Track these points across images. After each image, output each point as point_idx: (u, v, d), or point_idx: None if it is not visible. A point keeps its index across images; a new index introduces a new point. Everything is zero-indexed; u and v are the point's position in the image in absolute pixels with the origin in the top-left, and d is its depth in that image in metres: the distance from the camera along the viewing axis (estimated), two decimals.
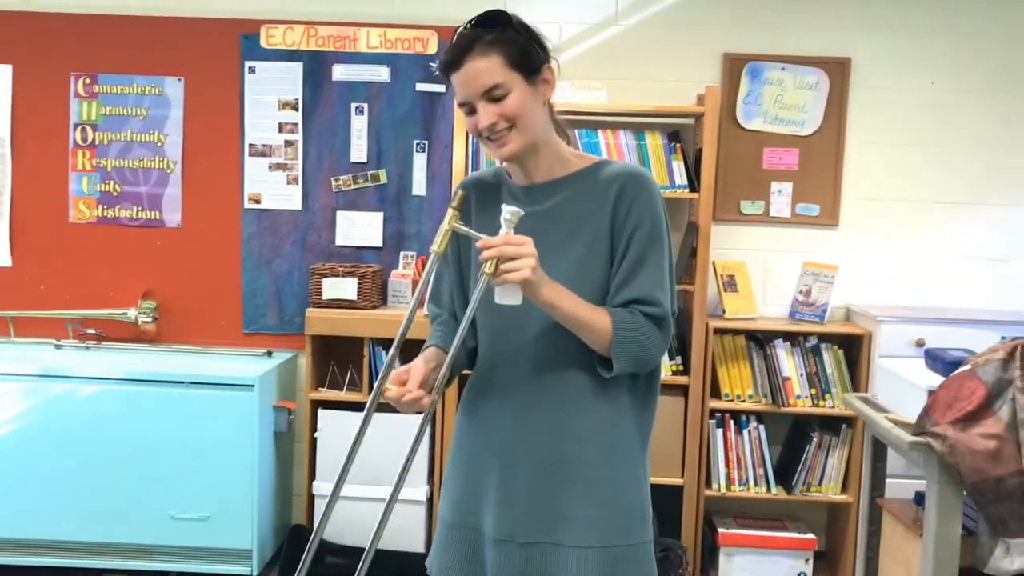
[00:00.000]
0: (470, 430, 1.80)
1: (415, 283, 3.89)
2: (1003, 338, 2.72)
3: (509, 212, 1.61)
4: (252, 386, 3.56)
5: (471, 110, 1.71)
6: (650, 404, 1.81)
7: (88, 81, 3.99)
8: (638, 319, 1.69)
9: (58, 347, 3.95)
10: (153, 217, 4.02)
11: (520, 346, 1.73)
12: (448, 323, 1.89)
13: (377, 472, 3.70)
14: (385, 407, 3.99)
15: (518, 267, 1.58)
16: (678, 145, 3.67)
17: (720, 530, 3.73)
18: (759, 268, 3.91)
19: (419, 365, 1.73)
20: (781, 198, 3.92)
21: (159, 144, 4.00)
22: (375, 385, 1.71)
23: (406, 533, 3.67)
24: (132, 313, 3.95)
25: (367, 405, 1.72)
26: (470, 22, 1.71)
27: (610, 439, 1.74)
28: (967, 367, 2.56)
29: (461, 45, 1.69)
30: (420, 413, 1.69)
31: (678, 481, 3.68)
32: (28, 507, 3.56)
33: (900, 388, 2.91)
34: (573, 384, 1.73)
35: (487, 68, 1.67)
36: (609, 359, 1.70)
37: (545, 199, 1.77)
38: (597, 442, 1.73)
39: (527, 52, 1.71)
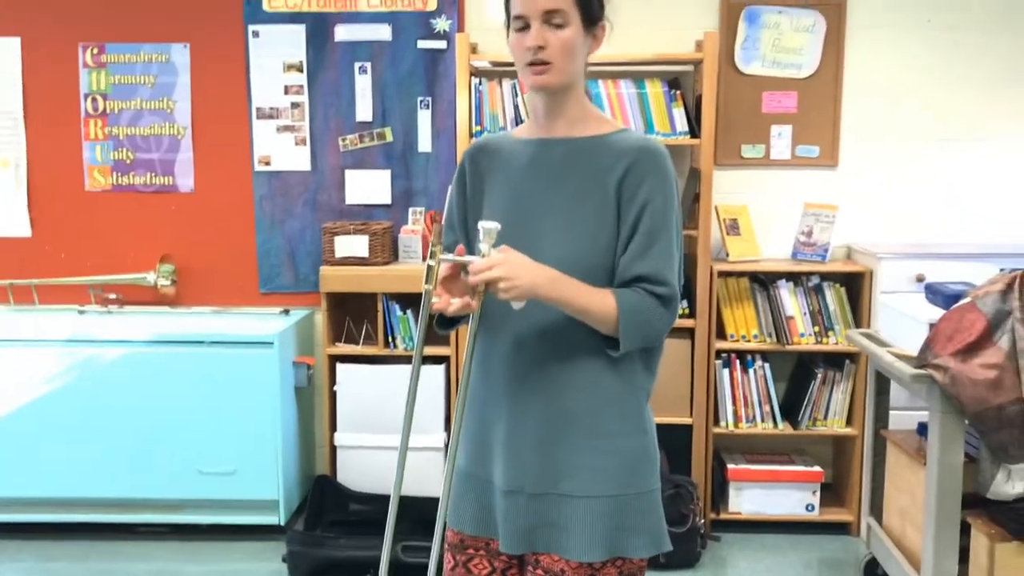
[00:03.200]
0: (480, 381, 1.78)
1: (424, 239, 3.89)
2: (1001, 270, 2.71)
3: (486, 227, 1.60)
4: (271, 343, 3.59)
5: (523, 26, 1.68)
6: (654, 356, 1.79)
7: (96, 51, 3.96)
8: (644, 299, 1.66)
9: (81, 313, 3.98)
10: (167, 183, 4.02)
11: (522, 314, 1.70)
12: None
13: (398, 422, 3.73)
14: (402, 359, 4.00)
15: (505, 288, 1.58)
16: (678, 92, 3.64)
17: (729, 466, 3.76)
18: (761, 211, 3.89)
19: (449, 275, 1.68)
20: (781, 141, 3.89)
21: (168, 111, 3.98)
22: (420, 327, 1.68)
23: (424, 479, 3.71)
24: (151, 277, 3.96)
25: (416, 351, 1.69)
26: None
27: (614, 390, 1.72)
28: (967, 300, 2.56)
29: None
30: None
31: (687, 420, 3.70)
32: (62, 466, 3.61)
33: (902, 323, 2.91)
34: (578, 339, 1.70)
35: None
36: (614, 338, 1.67)
37: (559, 155, 1.73)
38: (601, 394, 1.71)
39: (593, 1, 1.70)
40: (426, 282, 1.61)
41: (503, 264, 1.58)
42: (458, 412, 1.72)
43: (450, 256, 1.63)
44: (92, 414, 3.60)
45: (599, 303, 1.65)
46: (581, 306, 1.64)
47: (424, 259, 3.85)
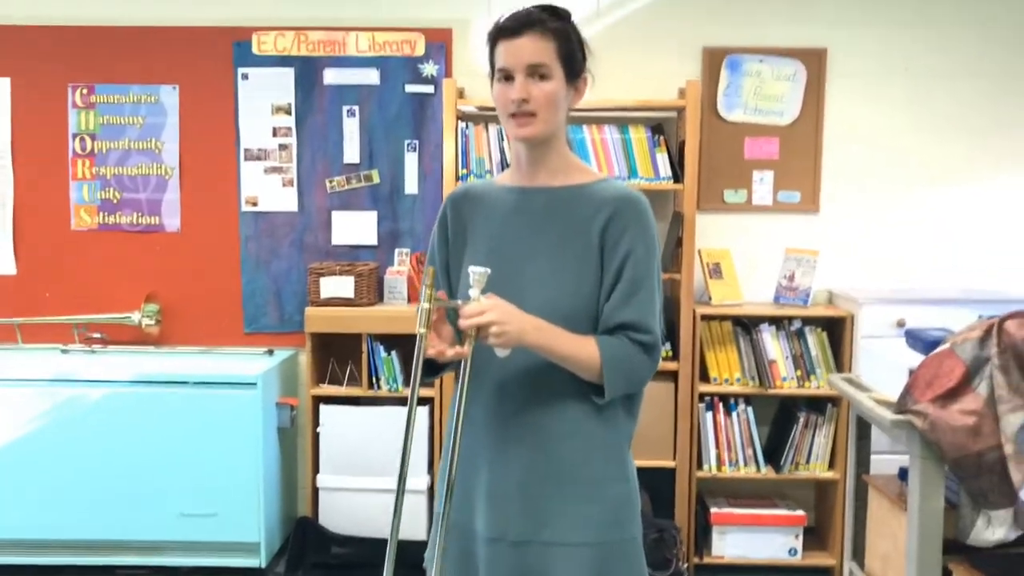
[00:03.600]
0: (462, 427, 1.76)
1: (410, 279, 3.90)
2: (980, 317, 2.74)
3: (477, 272, 1.62)
4: (255, 384, 3.57)
5: (507, 78, 1.71)
6: (635, 402, 1.81)
7: (85, 91, 3.98)
8: (627, 347, 1.68)
9: (65, 352, 3.95)
10: (153, 222, 4.02)
11: (507, 359, 1.71)
12: None
13: (381, 464, 3.73)
14: (386, 400, 3.98)
15: (496, 333, 1.59)
16: (661, 138, 3.69)
17: (712, 510, 3.75)
18: (743, 255, 3.92)
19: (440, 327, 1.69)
20: (763, 186, 3.93)
21: (156, 151, 4.00)
22: (413, 373, 1.67)
23: (407, 522, 3.69)
24: (136, 316, 3.95)
25: (410, 399, 1.69)
26: (536, 6, 1.73)
27: (597, 438, 1.73)
28: (946, 346, 2.58)
29: (525, 19, 1.70)
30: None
31: (670, 464, 3.70)
32: (43, 508, 3.57)
33: (882, 367, 2.93)
34: (561, 386, 1.71)
35: (542, 49, 1.70)
36: (598, 385, 1.69)
37: (542, 203, 1.76)
38: (584, 441, 1.72)
39: (575, 54, 1.74)
40: (421, 326, 1.61)
41: (495, 309, 1.60)
42: (445, 463, 1.71)
43: (444, 300, 1.64)
44: (73, 455, 3.56)
45: (583, 351, 1.66)
46: (565, 353, 1.66)
47: (409, 301, 3.87)
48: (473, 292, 1.62)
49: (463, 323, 1.60)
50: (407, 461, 1.68)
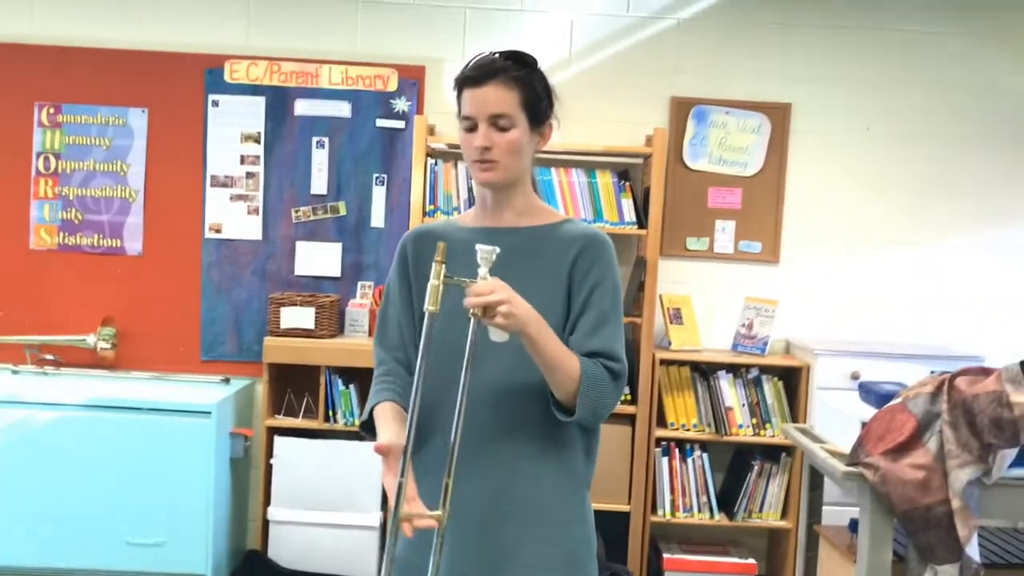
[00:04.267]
0: (421, 467, 1.73)
1: (372, 312, 3.89)
2: (932, 372, 2.79)
3: (485, 251, 1.59)
4: (209, 413, 3.53)
5: (472, 127, 1.73)
6: (594, 444, 1.82)
7: (52, 111, 3.95)
8: (601, 371, 1.69)
9: (15, 373, 3.88)
10: (114, 245, 3.98)
11: (473, 385, 1.66)
12: (395, 372, 1.82)
13: (332, 498, 3.69)
14: (342, 434, 3.95)
15: (505, 313, 1.56)
16: (627, 183, 3.73)
17: (665, 555, 3.75)
18: (704, 302, 3.97)
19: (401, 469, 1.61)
20: (725, 235, 3.99)
21: (122, 174, 3.97)
22: (420, 352, 1.58)
23: (357, 558, 3.65)
24: (91, 339, 3.89)
25: (416, 379, 1.58)
26: (501, 54, 1.75)
27: (559, 480, 1.74)
28: (898, 400, 2.62)
29: (488, 68, 1.72)
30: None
31: (625, 507, 3.70)
32: None
33: (836, 419, 2.96)
34: (525, 426, 1.72)
35: (505, 98, 1.71)
36: (562, 403, 1.69)
37: (509, 243, 1.76)
38: (547, 483, 1.73)
39: (540, 102, 1.77)
40: (430, 303, 1.56)
41: (505, 289, 1.58)
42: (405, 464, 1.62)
43: (453, 280, 1.57)
44: (20, 478, 3.48)
45: (569, 359, 1.67)
46: (554, 355, 1.65)
47: (369, 334, 3.86)
48: (481, 271, 1.58)
49: (471, 301, 1.56)
50: (405, 480, 1.58)
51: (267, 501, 3.76)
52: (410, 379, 1.79)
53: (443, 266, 1.56)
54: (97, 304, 3.96)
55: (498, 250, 1.60)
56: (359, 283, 3.99)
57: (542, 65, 1.81)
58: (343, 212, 3.98)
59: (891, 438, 2.53)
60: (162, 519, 3.50)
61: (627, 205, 3.71)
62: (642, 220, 3.72)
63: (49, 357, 3.93)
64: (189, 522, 3.51)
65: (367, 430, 1.82)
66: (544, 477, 1.73)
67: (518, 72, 1.74)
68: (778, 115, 3.95)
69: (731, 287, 3.98)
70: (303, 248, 3.98)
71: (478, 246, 1.60)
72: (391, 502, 1.58)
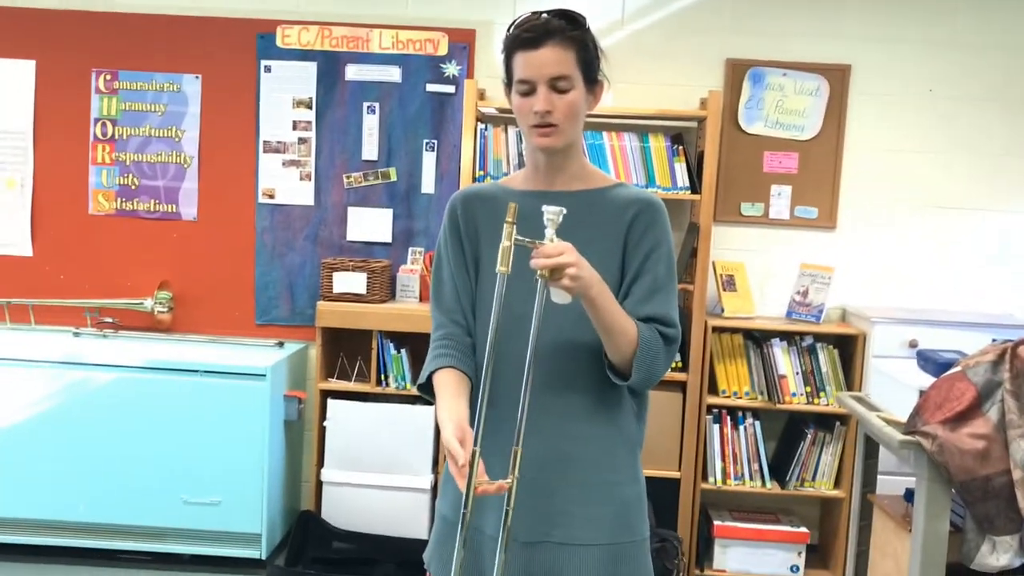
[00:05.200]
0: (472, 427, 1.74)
1: (423, 278, 3.91)
2: (993, 340, 2.72)
3: (552, 212, 1.58)
4: (264, 375, 3.58)
5: (529, 90, 1.71)
6: (644, 408, 1.83)
7: (109, 77, 4.01)
8: (656, 336, 1.70)
9: (76, 335, 3.98)
10: (170, 210, 4.05)
11: (526, 348, 1.65)
12: (453, 335, 1.81)
13: (384, 461, 3.74)
14: (393, 398, 3.99)
15: (573, 276, 1.56)
16: (681, 148, 3.68)
17: (715, 522, 3.74)
18: (758, 268, 3.92)
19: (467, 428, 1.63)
20: (780, 200, 3.92)
21: (176, 139, 4.02)
22: (493, 315, 1.59)
23: (409, 520, 3.70)
24: (148, 303, 3.97)
25: (488, 345, 1.59)
26: (550, 13, 1.71)
27: (609, 441, 1.75)
28: (958, 368, 2.56)
29: (544, 28, 1.69)
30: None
31: (675, 474, 3.69)
32: (47, 489, 3.59)
33: (892, 388, 2.91)
34: (577, 388, 1.73)
35: (563, 59, 1.69)
36: (616, 366, 1.69)
37: (563, 206, 1.72)
38: (597, 444, 1.73)
39: (593, 61, 1.75)
40: (501, 264, 1.56)
41: (573, 251, 1.57)
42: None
43: (523, 240, 1.56)
44: (80, 437, 3.58)
45: (627, 323, 1.68)
46: (613, 320, 1.65)
47: (421, 299, 3.88)
48: (548, 232, 1.58)
49: (539, 262, 1.55)
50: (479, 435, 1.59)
51: (320, 463, 3.82)
52: (468, 341, 1.80)
53: (514, 227, 1.55)
54: (154, 268, 4.03)
55: (565, 211, 1.58)
56: (410, 249, 4.00)
57: (593, 26, 1.79)
58: (394, 178, 3.99)
59: (950, 407, 2.48)
60: (218, 479, 3.57)
61: (680, 169, 3.66)
62: (695, 185, 3.67)
63: (108, 320, 4.02)
64: (244, 482, 3.58)
65: (425, 392, 1.83)
66: (595, 437, 1.74)
67: (573, 32, 1.71)
68: (837, 77, 3.86)
69: (786, 254, 3.92)
70: (354, 214, 4.00)
71: (545, 207, 1.58)
72: (456, 475, 1.57)
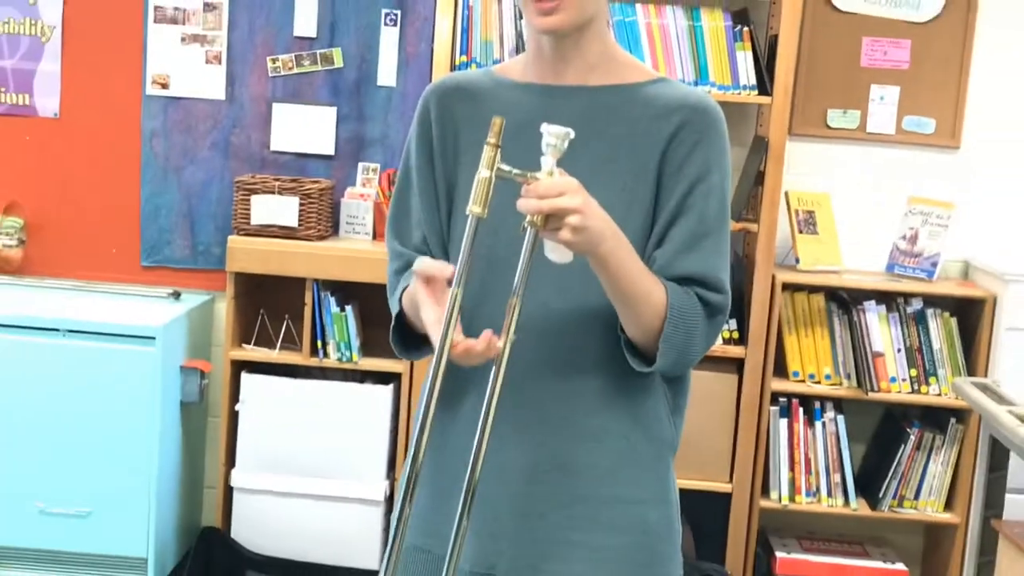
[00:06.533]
0: (445, 424, 1.75)
1: (379, 206, 3.90)
2: None
3: (554, 135, 1.55)
4: (152, 338, 3.60)
5: None
6: (681, 396, 1.82)
7: None
8: (695, 305, 1.68)
9: None
10: (21, 102, 4.03)
11: (521, 315, 1.63)
12: None
13: (320, 461, 3.76)
14: (334, 373, 4.00)
15: (576, 225, 1.53)
16: (746, 29, 3.67)
17: (778, 554, 3.79)
18: (848, 203, 3.93)
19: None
20: (884, 108, 3.92)
21: (30, 3, 3.99)
22: (437, 350, 1.58)
23: (354, 543, 3.73)
24: None
25: (430, 384, 1.59)
26: None
27: (629, 442, 1.75)
28: None
29: None
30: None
31: (725, 488, 3.73)
32: None
33: None
34: (586, 368, 1.73)
35: None
36: (636, 345, 1.69)
37: (578, 108, 1.75)
38: (614, 445, 1.74)
39: None
40: (475, 203, 1.54)
41: (579, 192, 1.55)
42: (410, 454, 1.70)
43: (510, 171, 1.55)
44: None
45: (652, 288, 1.66)
46: (631, 285, 1.64)
47: (375, 237, 3.89)
48: (546, 162, 1.56)
49: (530, 205, 1.53)
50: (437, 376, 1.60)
51: (230, 462, 3.85)
52: None
53: (497, 151, 1.54)
54: None
55: (572, 134, 1.56)
56: (360, 164, 4.00)
57: None
58: (338, 63, 3.97)
59: None
60: (87, 483, 3.60)
61: (744, 61, 3.65)
62: (765, 84, 3.67)
63: None
64: (123, 488, 3.60)
65: (399, 336, 1.83)
66: (607, 437, 1.74)
67: None
68: None
69: (890, 182, 3.94)
70: (282, 112, 3.99)
71: (545, 127, 1.56)
72: (432, 336, 1.59)
